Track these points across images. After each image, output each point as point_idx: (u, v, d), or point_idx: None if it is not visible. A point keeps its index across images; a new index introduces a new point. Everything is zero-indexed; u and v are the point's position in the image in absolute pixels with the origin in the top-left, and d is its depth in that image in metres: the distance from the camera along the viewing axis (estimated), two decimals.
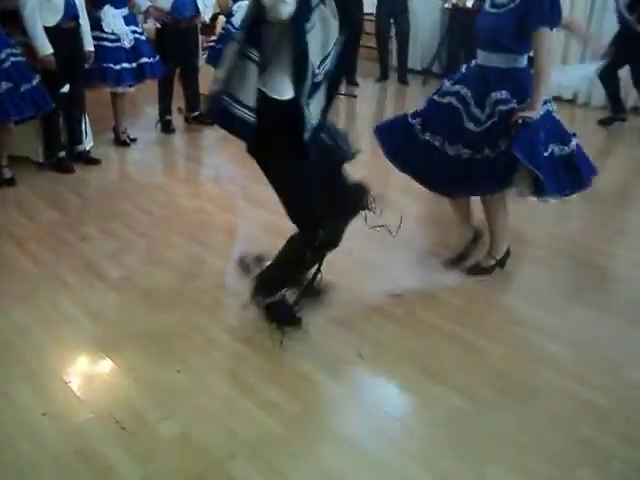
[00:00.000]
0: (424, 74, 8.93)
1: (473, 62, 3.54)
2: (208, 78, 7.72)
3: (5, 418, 2.57)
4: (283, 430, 2.55)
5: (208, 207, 4.70)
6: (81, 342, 3.09)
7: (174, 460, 2.39)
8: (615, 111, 6.90)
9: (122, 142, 5.96)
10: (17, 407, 2.63)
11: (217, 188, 5.19)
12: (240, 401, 2.69)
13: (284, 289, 3.04)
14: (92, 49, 5.19)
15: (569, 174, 3.45)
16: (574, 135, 3.52)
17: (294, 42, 2.48)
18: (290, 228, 2.86)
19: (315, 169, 2.72)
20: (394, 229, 3.19)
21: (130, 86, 5.72)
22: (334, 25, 2.57)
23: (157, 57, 5.78)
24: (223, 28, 6.90)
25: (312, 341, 2.86)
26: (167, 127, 6.40)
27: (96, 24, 5.31)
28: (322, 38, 2.54)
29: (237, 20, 6.01)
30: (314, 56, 2.52)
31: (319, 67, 2.56)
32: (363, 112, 8.04)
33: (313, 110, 2.62)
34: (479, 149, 3.38)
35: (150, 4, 5.84)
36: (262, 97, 2.55)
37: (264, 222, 4.23)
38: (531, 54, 3.36)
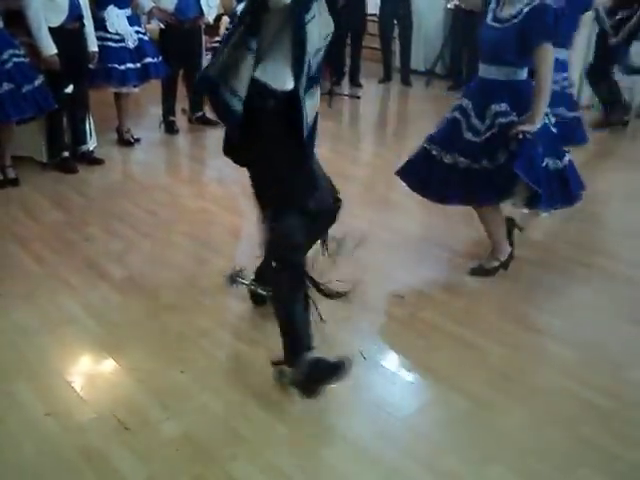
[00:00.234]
0: (427, 75, 8.92)
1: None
2: None
3: (8, 418, 2.58)
4: (285, 430, 2.56)
5: (212, 208, 4.71)
6: (84, 342, 3.11)
7: (176, 460, 2.40)
8: (612, 114, 6.77)
9: (126, 142, 5.98)
10: (20, 407, 2.64)
11: (221, 189, 5.20)
12: (242, 401, 2.70)
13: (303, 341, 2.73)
14: (96, 50, 5.21)
15: (561, 188, 3.54)
16: (568, 152, 3.63)
17: (294, 31, 2.48)
18: None
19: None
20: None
21: (134, 86, 5.75)
22: (329, 19, 2.59)
23: (160, 57, 5.80)
24: (227, 29, 6.91)
25: (314, 341, 2.86)
26: (171, 128, 6.41)
27: (100, 24, 5.34)
28: (319, 30, 2.54)
29: None
30: (311, 47, 2.52)
31: (314, 58, 2.56)
32: (366, 113, 8.05)
33: (308, 107, 2.62)
34: (477, 159, 3.44)
35: (154, 5, 5.86)
36: (260, 88, 2.54)
37: None
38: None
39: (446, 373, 2.92)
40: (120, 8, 5.47)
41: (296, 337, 2.71)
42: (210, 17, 6.26)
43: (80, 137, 5.41)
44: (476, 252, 3.96)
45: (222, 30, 7.18)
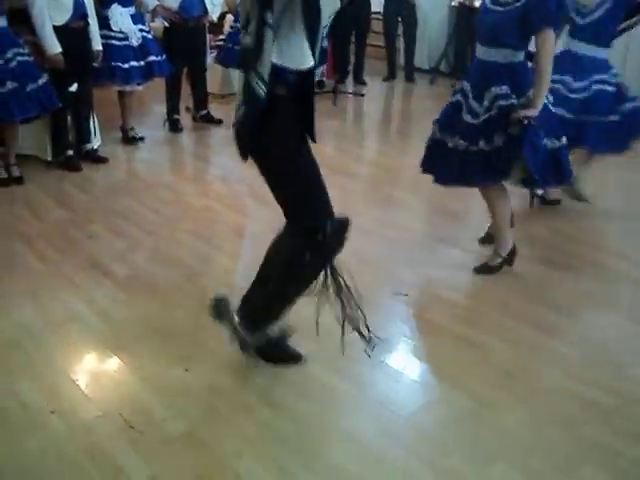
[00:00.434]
0: (432, 73, 8.92)
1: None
2: (216, 77, 7.78)
3: (13, 416, 2.59)
4: (290, 428, 2.56)
5: (216, 206, 4.72)
6: (88, 340, 3.11)
7: (181, 458, 2.40)
8: None
9: (130, 141, 5.99)
10: (25, 405, 2.65)
11: (225, 187, 5.19)
12: (247, 399, 2.70)
13: (275, 319, 2.75)
14: (100, 48, 5.21)
15: (554, 168, 3.60)
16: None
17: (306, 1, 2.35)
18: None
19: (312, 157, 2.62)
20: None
21: (138, 84, 5.75)
22: None
23: (164, 56, 5.80)
24: (231, 27, 6.92)
25: (319, 340, 2.86)
26: (175, 126, 6.41)
27: (104, 23, 5.34)
28: (325, 7, 2.44)
29: None
30: (324, 17, 2.43)
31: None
32: (370, 111, 8.05)
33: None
34: (474, 141, 3.46)
35: (157, 3, 5.86)
36: (278, 72, 2.41)
37: (271, 221, 4.22)
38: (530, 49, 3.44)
39: (449, 371, 2.92)
40: (124, 6, 5.47)
41: (278, 310, 2.71)
42: (214, 15, 6.26)
43: (84, 136, 5.42)
44: (480, 250, 3.96)
45: (226, 28, 7.18)
